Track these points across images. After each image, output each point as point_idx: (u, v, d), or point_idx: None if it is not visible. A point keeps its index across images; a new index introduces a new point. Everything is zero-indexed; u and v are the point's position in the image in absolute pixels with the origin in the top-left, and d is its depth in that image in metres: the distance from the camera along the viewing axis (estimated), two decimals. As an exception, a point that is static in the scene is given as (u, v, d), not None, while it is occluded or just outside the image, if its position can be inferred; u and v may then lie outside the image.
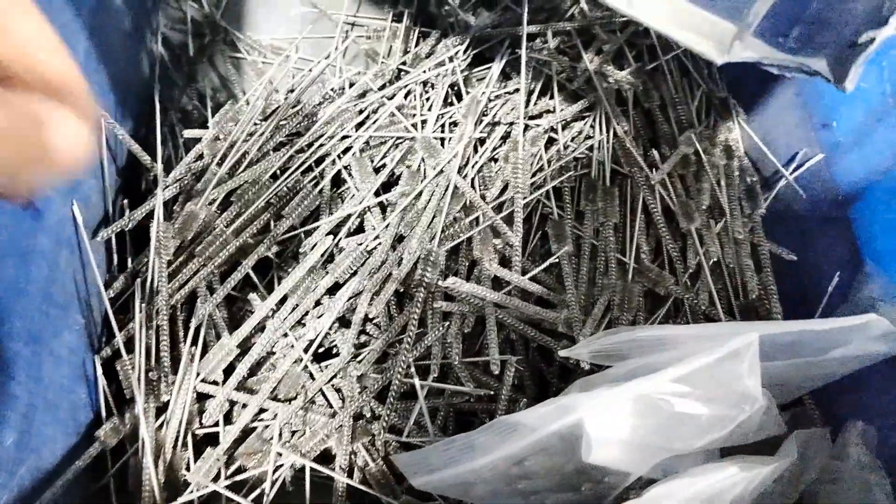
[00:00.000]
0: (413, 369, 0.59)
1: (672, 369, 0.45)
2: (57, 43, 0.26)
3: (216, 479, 0.58)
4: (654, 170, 0.69)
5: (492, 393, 0.60)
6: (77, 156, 0.26)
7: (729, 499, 0.43)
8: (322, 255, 0.63)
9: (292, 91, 0.76)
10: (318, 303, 0.63)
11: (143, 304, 0.59)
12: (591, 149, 0.72)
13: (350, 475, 0.59)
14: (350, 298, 0.61)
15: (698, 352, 0.47)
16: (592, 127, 0.74)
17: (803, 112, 0.70)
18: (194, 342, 0.60)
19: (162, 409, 0.60)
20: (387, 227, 0.64)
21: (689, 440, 0.47)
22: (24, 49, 0.24)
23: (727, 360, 0.45)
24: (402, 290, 0.62)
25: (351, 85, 0.75)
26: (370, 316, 0.60)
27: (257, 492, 0.57)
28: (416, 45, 0.81)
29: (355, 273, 0.63)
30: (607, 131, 0.72)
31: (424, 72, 0.75)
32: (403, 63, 0.79)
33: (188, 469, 0.59)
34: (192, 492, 0.57)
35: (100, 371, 0.59)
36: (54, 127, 0.25)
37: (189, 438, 0.60)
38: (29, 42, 0.25)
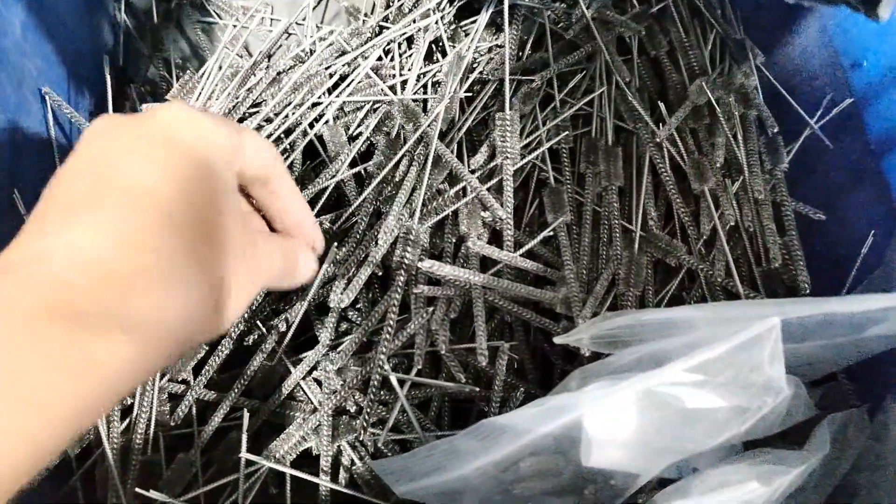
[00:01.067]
0: (390, 364, 0.53)
1: (682, 360, 0.39)
2: (305, 205, 0.40)
3: (191, 483, 0.54)
4: (661, 125, 0.61)
5: (478, 389, 0.54)
6: (312, 275, 0.40)
7: (751, 511, 0.37)
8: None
9: (269, 56, 0.69)
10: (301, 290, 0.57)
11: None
12: (591, 104, 0.65)
13: (335, 478, 0.54)
14: (324, 285, 0.55)
15: (712, 337, 0.41)
16: (592, 80, 0.66)
17: (830, 51, 0.62)
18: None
19: (127, 411, 0.55)
20: (362, 202, 0.57)
21: (702, 440, 0.41)
22: (295, 216, 0.39)
23: (746, 348, 0.38)
24: (380, 273, 0.56)
25: (325, 45, 0.68)
26: (343, 305, 0.54)
27: (230, 501, 0.52)
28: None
29: (326, 254, 0.57)
30: (608, 84, 0.64)
31: (407, 26, 0.67)
32: (385, 19, 0.72)
33: (161, 474, 0.54)
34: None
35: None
36: (302, 259, 0.39)
37: (161, 441, 0.55)
38: (296, 210, 0.38)
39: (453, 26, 0.71)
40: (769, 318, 0.37)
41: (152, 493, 0.50)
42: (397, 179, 0.57)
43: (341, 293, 0.53)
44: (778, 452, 0.44)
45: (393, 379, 0.49)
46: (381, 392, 0.54)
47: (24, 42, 0.57)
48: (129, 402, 0.54)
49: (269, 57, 0.70)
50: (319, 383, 0.56)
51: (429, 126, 0.57)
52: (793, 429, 0.47)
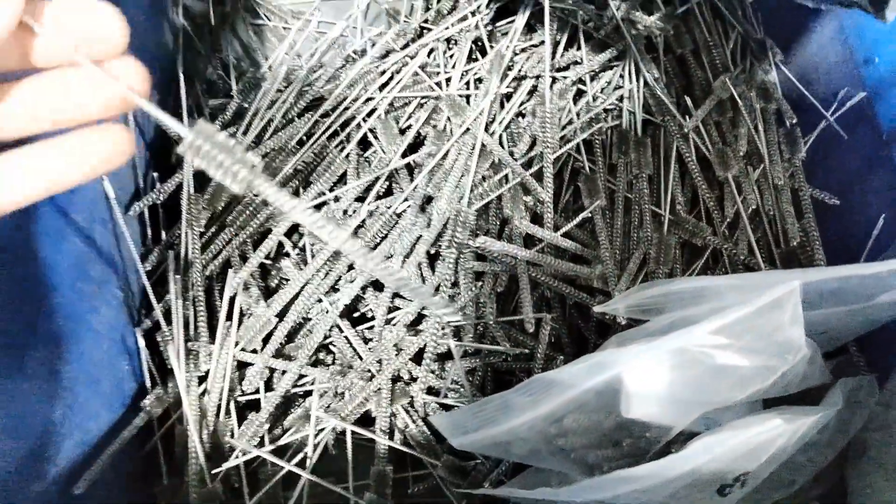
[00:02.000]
0: (447, 329, 0.58)
1: (711, 321, 0.44)
2: None
3: (260, 444, 0.59)
4: (687, 118, 0.67)
5: (528, 351, 0.60)
6: None
7: (772, 450, 0.43)
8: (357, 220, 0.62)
9: (314, 55, 0.75)
10: (350, 267, 0.63)
11: (179, 276, 0.60)
12: (620, 99, 0.70)
13: (391, 437, 0.59)
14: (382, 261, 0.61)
15: (738, 302, 0.46)
16: (622, 77, 0.71)
17: (844, 49, 0.67)
18: (230, 311, 0.61)
19: (203, 378, 0.61)
20: (415, 188, 0.63)
21: (730, 393, 0.46)
22: None
23: (768, 310, 0.44)
24: (432, 251, 0.62)
25: (373, 45, 0.73)
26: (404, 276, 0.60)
27: (299, 456, 0.58)
28: (438, 1, 0.79)
29: (385, 237, 0.63)
30: (637, 80, 0.69)
31: (447, 28, 0.73)
32: (425, 21, 0.77)
33: (232, 436, 0.60)
34: (237, 457, 0.58)
35: (142, 343, 0.60)
36: None
37: (231, 406, 0.61)
38: None
39: (489, 28, 0.76)
40: (789, 282, 0.43)
41: (234, 441, 0.55)
42: (446, 167, 0.63)
43: (400, 267, 0.58)
44: (796, 408, 0.49)
45: (451, 343, 0.55)
46: (434, 364, 0.60)
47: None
48: (205, 370, 0.60)
49: (320, 56, 0.76)
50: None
51: (475, 118, 0.63)
52: (807, 395, 0.52)
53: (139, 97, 0.27)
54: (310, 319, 0.63)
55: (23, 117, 0.28)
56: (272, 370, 0.62)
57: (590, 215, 0.61)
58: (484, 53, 0.75)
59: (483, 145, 0.63)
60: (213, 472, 0.56)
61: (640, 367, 0.45)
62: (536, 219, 0.63)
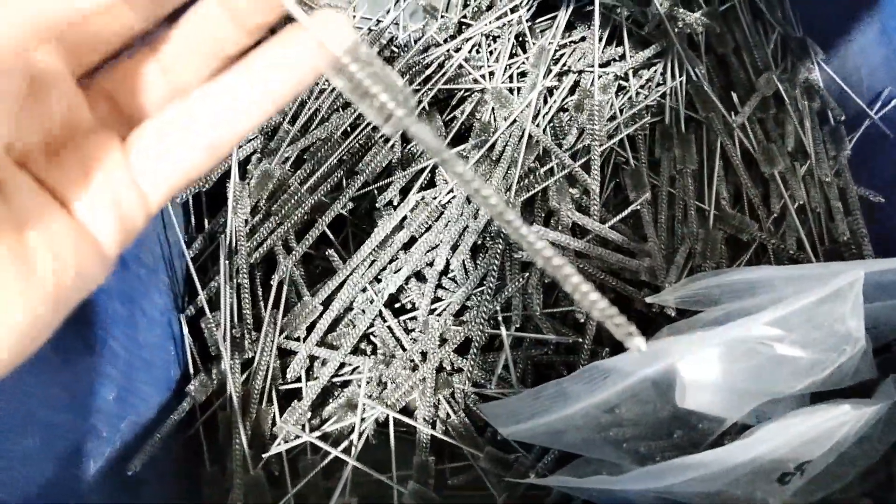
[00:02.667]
0: (500, 318, 0.58)
1: (770, 311, 0.44)
2: None
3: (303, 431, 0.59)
4: (732, 114, 0.67)
5: (570, 342, 0.60)
6: None
7: (836, 438, 0.42)
8: (405, 210, 0.62)
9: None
10: (394, 258, 0.63)
11: (228, 261, 0.60)
12: (663, 96, 0.70)
13: (433, 427, 0.59)
14: (427, 251, 0.61)
15: (793, 294, 0.46)
16: (663, 74, 0.72)
17: (888, 50, 0.67)
18: (276, 299, 0.61)
19: (246, 365, 0.61)
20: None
21: (787, 383, 0.46)
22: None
23: (829, 300, 0.44)
24: (479, 242, 0.62)
25: (416, 40, 0.74)
26: (451, 268, 0.60)
27: (344, 444, 0.58)
28: (476, -2, 0.80)
29: (430, 228, 0.63)
30: (681, 76, 0.70)
31: (489, 23, 0.73)
32: (464, 16, 0.78)
33: (273, 423, 0.60)
34: (279, 444, 0.58)
35: (186, 329, 0.60)
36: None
37: (273, 394, 0.61)
38: None
39: (529, 23, 0.76)
40: (853, 271, 0.43)
41: (281, 426, 0.55)
42: (493, 158, 0.63)
43: (450, 258, 0.58)
44: (849, 400, 0.49)
45: (503, 332, 0.55)
46: (478, 353, 0.60)
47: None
48: (249, 356, 0.60)
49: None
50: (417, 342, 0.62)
51: (522, 111, 0.63)
52: (855, 390, 0.52)
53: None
54: (352, 309, 0.63)
55: (192, 62, 0.25)
56: (314, 358, 0.62)
57: (637, 208, 0.61)
58: (523, 49, 0.75)
59: (530, 136, 0.63)
60: (263, 456, 0.56)
61: (697, 357, 0.45)
62: (581, 211, 0.63)
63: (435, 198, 0.63)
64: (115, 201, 0.24)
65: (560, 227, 0.61)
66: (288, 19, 0.23)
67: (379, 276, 0.64)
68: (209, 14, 0.25)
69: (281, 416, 0.60)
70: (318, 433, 0.58)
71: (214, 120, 0.24)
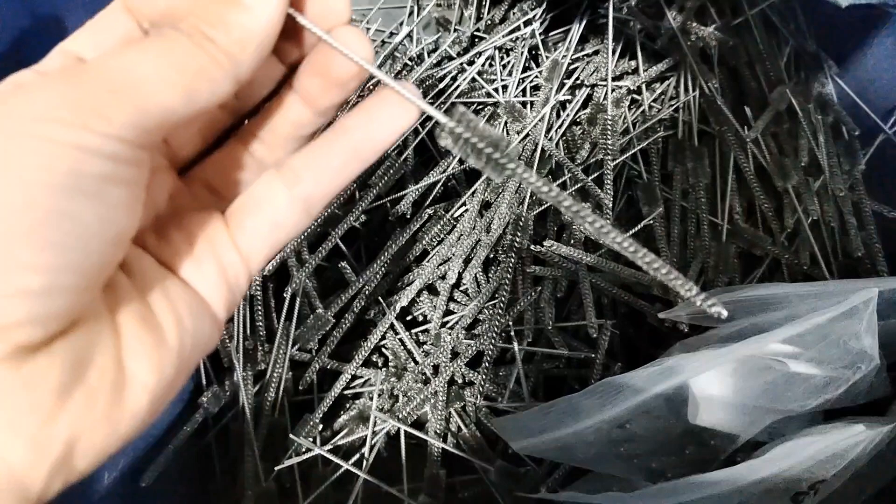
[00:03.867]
0: (512, 332, 0.58)
1: (784, 328, 0.44)
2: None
3: (314, 444, 0.60)
4: (745, 128, 0.66)
5: (582, 356, 0.60)
6: None
7: (851, 457, 0.42)
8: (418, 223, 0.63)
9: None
10: (406, 270, 0.63)
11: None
12: (676, 110, 0.70)
13: (444, 440, 0.59)
14: (440, 265, 0.61)
15: (808, 311, 0.46)
16: (676, 88, 0.72)
17: (903, 65, 0.67)
18: (288, 311, 0.61)
19: (258, 377, 0.61)
20: (473, 193, 0.63)
21: (801, 401, 0.45)
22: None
23: (844, 318, 0.43)
24: (492, 255, 0.62)
25: (429, 53, 0.74)
26: (463, 281, 0.60)
27: (356, 457, 0.58)
28: (489, 11, 0.80)
29: (442, 241, 0.63)
30: (694, 90, 0.70)
31: (502, 36, 0.74)
32: (477, 29, 0.78)
33: (285, 435, 0.60)
34: (291, 456, 0.58)
35: (198, 341, 0.61)
36: None
37: (286, 406, 0.61)
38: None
39: (543, 37, 0.77)
40: (867, 289, 0.42)
41: (295, 438, 0.55)
42: (506, 172, 0.63)
43: (462, 271, 0.58)
44: (863, 418, 0.49)
45: (515, 346, 0.55)
46: (490, 367, 0.60)
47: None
48: (262, 368, 0.61)
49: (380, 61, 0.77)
50: (429, 356, 0.62)
51: (535, 124, 0.63)
52: (868, 408, 0.52)
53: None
54: (364, 321, 0.63)
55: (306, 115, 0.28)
56: (325, 371, 0.62)
57: (650, 223, 0.61)
58: (536, 62, 0.75)
59: (543, 150, 0.63)
60: (275, 468, 0.57)
61: (711, 374, 0.45)
62: (593, 226, 0.63)
63: (447, 211, 0.63)
64: (220, 267, 0.27)
65: (573, 241, 0.61)
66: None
67: (391, 289, 0.64)
68: (286, 101, 0.28)
69: (293, 428, 0.60)
70: (329, 445, 0.58)
71: (312, 181, 0.28)
